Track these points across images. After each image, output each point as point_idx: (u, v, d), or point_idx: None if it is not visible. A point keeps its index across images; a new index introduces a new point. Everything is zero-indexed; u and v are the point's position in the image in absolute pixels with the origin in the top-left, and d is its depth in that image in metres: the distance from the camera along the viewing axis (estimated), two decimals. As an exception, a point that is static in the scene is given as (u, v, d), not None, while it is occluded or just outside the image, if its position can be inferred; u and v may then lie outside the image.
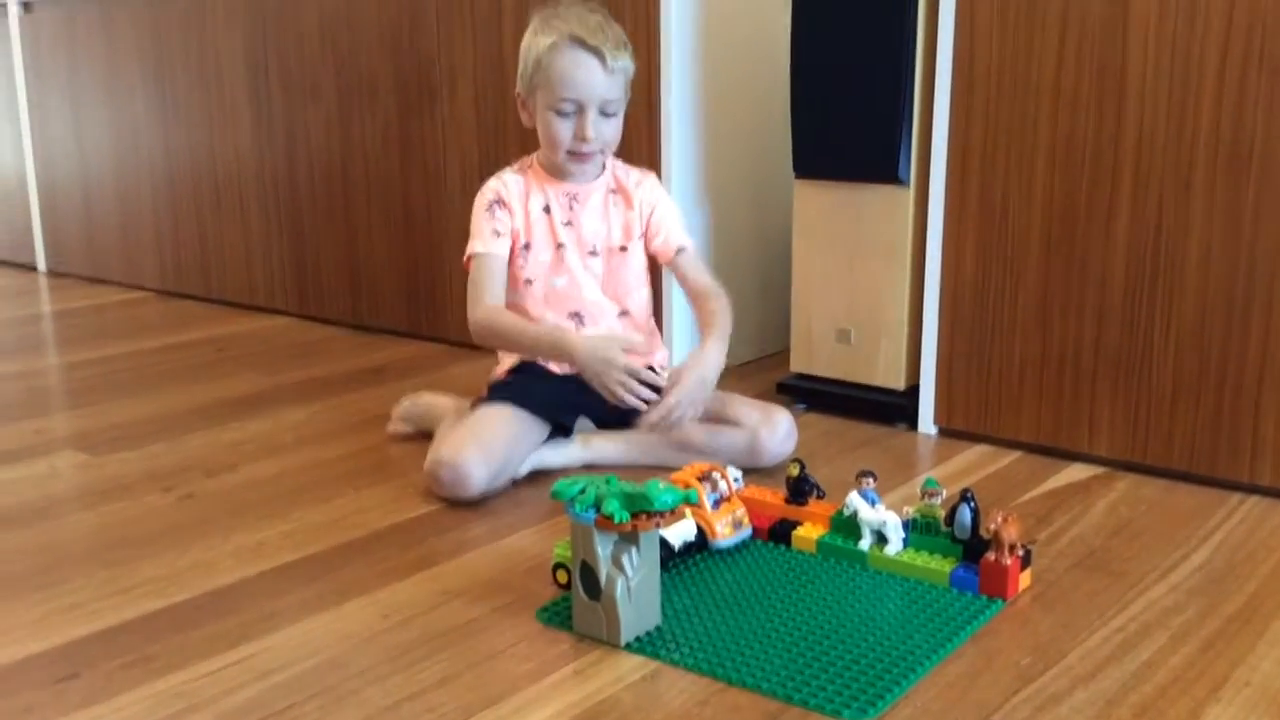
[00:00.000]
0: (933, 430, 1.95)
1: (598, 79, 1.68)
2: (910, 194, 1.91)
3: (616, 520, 1.19)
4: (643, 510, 1.20)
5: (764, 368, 2.34)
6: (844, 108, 1.94)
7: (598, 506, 1.21)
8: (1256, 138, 1.58)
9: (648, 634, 1.24)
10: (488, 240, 1.77)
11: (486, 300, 1.75)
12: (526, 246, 1.79)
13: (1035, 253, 1.79)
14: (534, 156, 1.84)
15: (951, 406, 1.92)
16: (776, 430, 1.75)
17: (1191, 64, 1.61)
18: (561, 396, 1.77)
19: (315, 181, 2.86)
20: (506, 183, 1.80)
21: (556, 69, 1.68)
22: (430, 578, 1.41)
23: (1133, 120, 1.67)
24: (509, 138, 2.43)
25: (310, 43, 2.77)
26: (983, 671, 1.16)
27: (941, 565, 1.36)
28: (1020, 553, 1.33)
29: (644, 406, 1.66)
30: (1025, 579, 1.35)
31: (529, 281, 1.80)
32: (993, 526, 1.31)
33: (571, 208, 1.80)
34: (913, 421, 1.96)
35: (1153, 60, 1.64)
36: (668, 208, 1.85)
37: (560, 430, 1.77)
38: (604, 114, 1.72)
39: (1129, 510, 1.59)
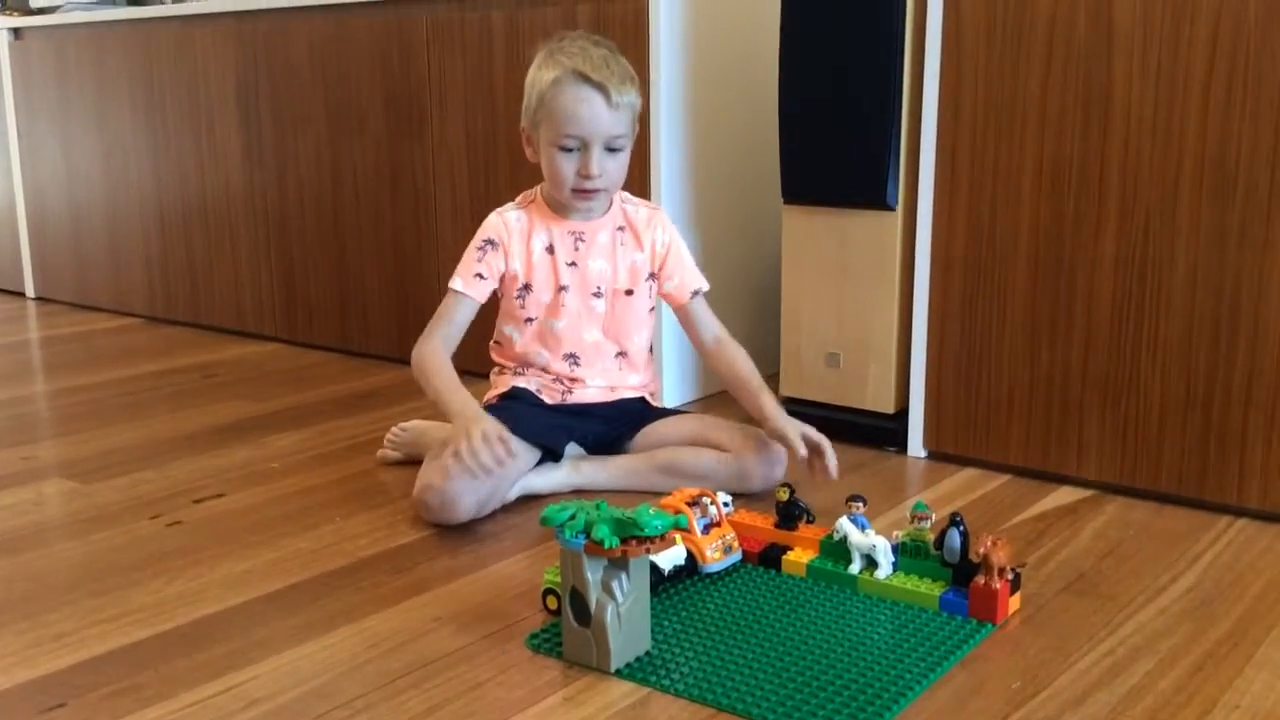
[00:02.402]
0: (922, 454, 1.95)
1: (602, 115, 1.65)
2: (898, 218, 1.92)
3: (606, 546, 1.19)
4: (633, 536, 1.20)
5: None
6: (832, 133, 1.95)
7: (587, 532, 1.21)
8: (1241, 159, 1.59)
9: (638, 660, 1.24)
10: (469, 280, 1.75)
11: (435, 339, 1.74)
12: (527, 287, 1.77)
13: (1022, 276, 1.80)
14: (538, 190, 1.81)
15: (941, 430, 1.92)
16: (765, 455, 1.74)
17: (1176, 86, 1.62)
18: (551, 422, 1.77)
19: (305, 207, 2.86)
20: (507, 221, 1.77)
21: (560, 105, 1.65)
22: (419, 605, 1.40)
23: (1118, 142, 1.68)
24: (499, 165, 2.44)
25: (300, 70, 2.78)
26: (972, 696, 1.16)
27: (931, 589, 1.36)
28: (1010, 576, 1.33)
29: (477, 472, 1.57)
30: (1015, 602, 1.35)
31: (529, 320, 1.79)
32: (982, 550, 1.31)
33: (577, 247, 1.77)
34: (902, 445, 1.97)
35: (1138, 83, 1.65)
36: (681, 248, 1.82)
37: (549, 455, 1.76)
38: (609, 150, 1.69)
39: (1118, 533, 1.59)
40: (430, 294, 2.62)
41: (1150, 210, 1.67)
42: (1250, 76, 1.57)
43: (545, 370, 1.82)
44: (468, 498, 1.60)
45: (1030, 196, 1.77)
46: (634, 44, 2.18)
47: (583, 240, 1.77)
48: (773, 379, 2.15)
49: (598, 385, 1.82)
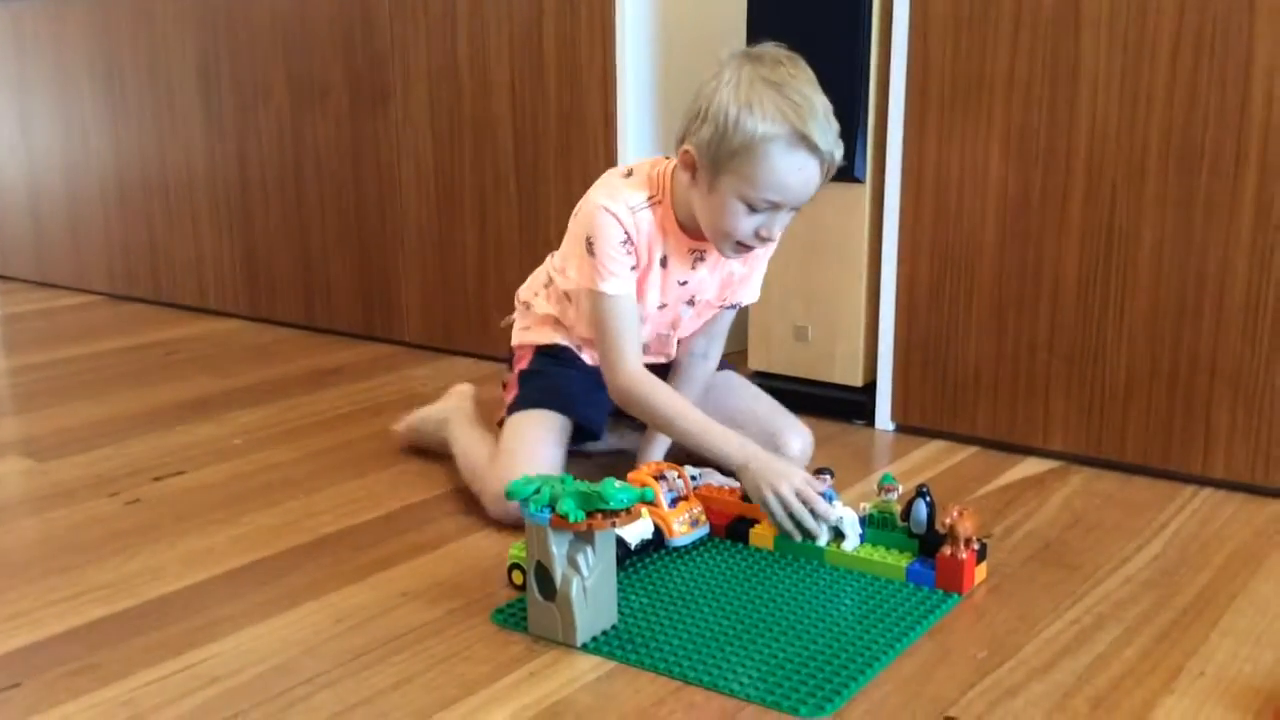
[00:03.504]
0: (890, 426, 1.95)
1: (813, 185, 1.41)
2: (866, 191, 1.92)
3: (572, 520, 1.17)
4: (598, 509, 1.19)
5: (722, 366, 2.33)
6: (799, 105, 1.93)
7: (553, 506, 1.19)
8: (1208, 131, 1.59)
9: (604, 634, 1.23)
10: (625, 279, 1.50)
11: (633, 357, 1.51)
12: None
13: (990, 248, 1.79)
14: (668, 189, 1.53)
15: (908, 403, 1.92)
16: (786, 452, 1.61)
17: (1144, 57, 1.62)
18: (590, 394, 1.63)
19: (267, 183, 2.82)
20: (640, 225, 1.51)
21: (771, 167, 1.37)
22: (384, 581, 1.39)
23: (1085, 113, 1.68)
24: (464, 140, 2.41)
25: (261, 43, 2.73)
26: (939, 665, 1.16)
27: (898, 560, 1.36)
28: (976, 547, 1.33)
29: (794, 534, 1.41)
30: (981, 573, 1.35)
31: None
32: (948, 521, 1.31)
33: (694, 266, 1.57)
34: (870, 418, 1.97)
35: (1105, 54, 1.65)
36: (767, 259, 1.66)
37: (588, 435, 1.65)
38: (793, 209, 1.45)
39: (1083, 504, 1.60)
40: (395, 269, 2.60)
41: (1117, 181, 1.67)
42: (1217, 46, 1.56)
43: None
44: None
45: (998, 168, 1.77)
46: (600, 18, 2.16)
47: (701, 260, 1.57)
48: (741, 354, 2.15)
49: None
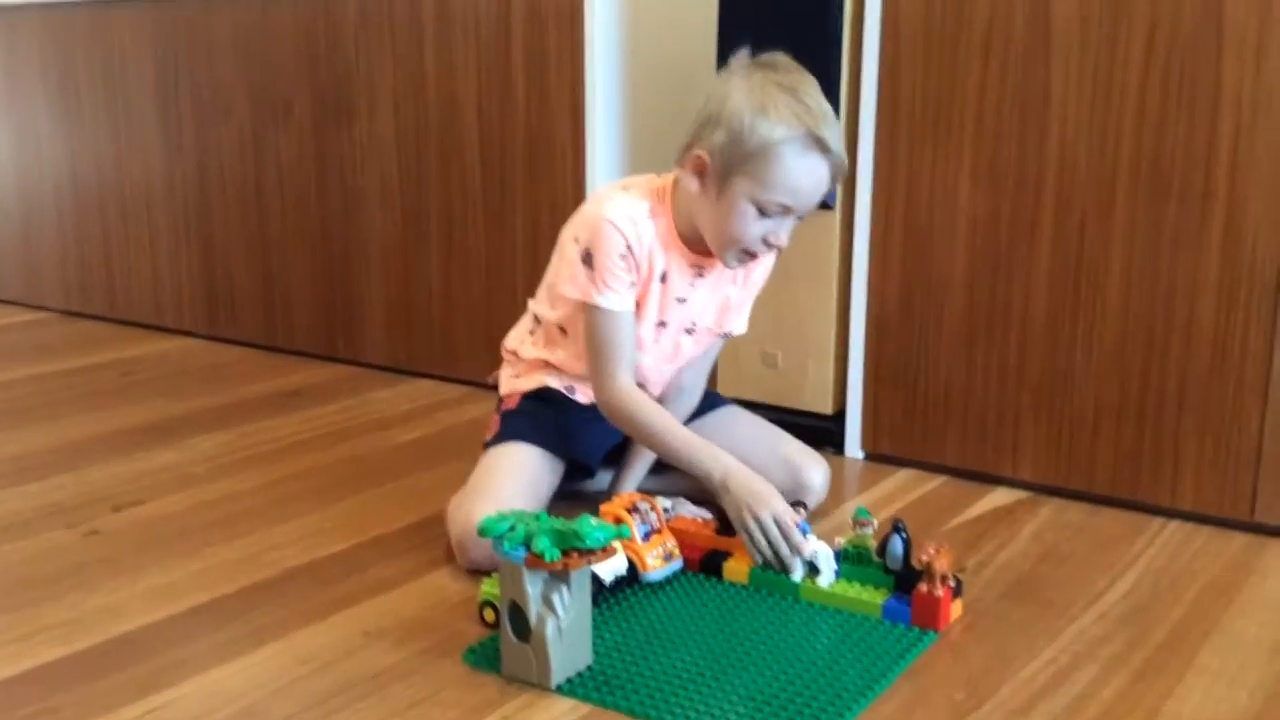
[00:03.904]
0: (859, 454, 1.95)
1: (823, 188, 1.43)
2: (836, 218, 1.91)
3: (548, 559, 1.15)
4: (574, 548, 1.17)
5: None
6: (769, 131, 1.93)
7: (527, 544, 1.17)
8: (1176, 160, 1.60)
9: (579, 675, 1.21)
10: (624, 295, 1.48)
11: (624, 374, 1.49)
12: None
13: (960, 277, 1.80)
14: (669, 198, 1.52)
15: (878, 431, 1.92)
16: (806, 497, 1.59)
17: (1113, 88, 1.63)
18: (582, 429, 1.61)
19: (228, 199, 2.77)
20: (641, 236, 1.48)
21: (785, 169, 1.38)
22: (350, 618, 1.36)
23: (1055, 144, 1.69)
24: (430, 157, 2.39)
25: (222, 57, 2.69)
26: (916, 707, 1.15)
27: (874, 596, 1.35)
28: (951, 583, 1.32)
29: (771, 562, 1.41)
30: (956, 609, 1.34)
31: None
32: (925, 558, 1.30)
33: (694, 284, 1.55)
34: (840, 446, 1.96)
35: (1074, 85, 1.66)
36: (761, 284, 1.65)
37: (580, 470, 1.64)
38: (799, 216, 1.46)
39: (1054, 536, 1.60)
40: (358, 288, 2.56)
41: (1086, 212, 1.68)
42: (1185, 78, 1.58)
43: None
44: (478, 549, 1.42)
45: (968, 197, 1.77)
46: (568, 34, 2.15)
47: (701, 276, 1.55)
48: (709, 377, 2.13)
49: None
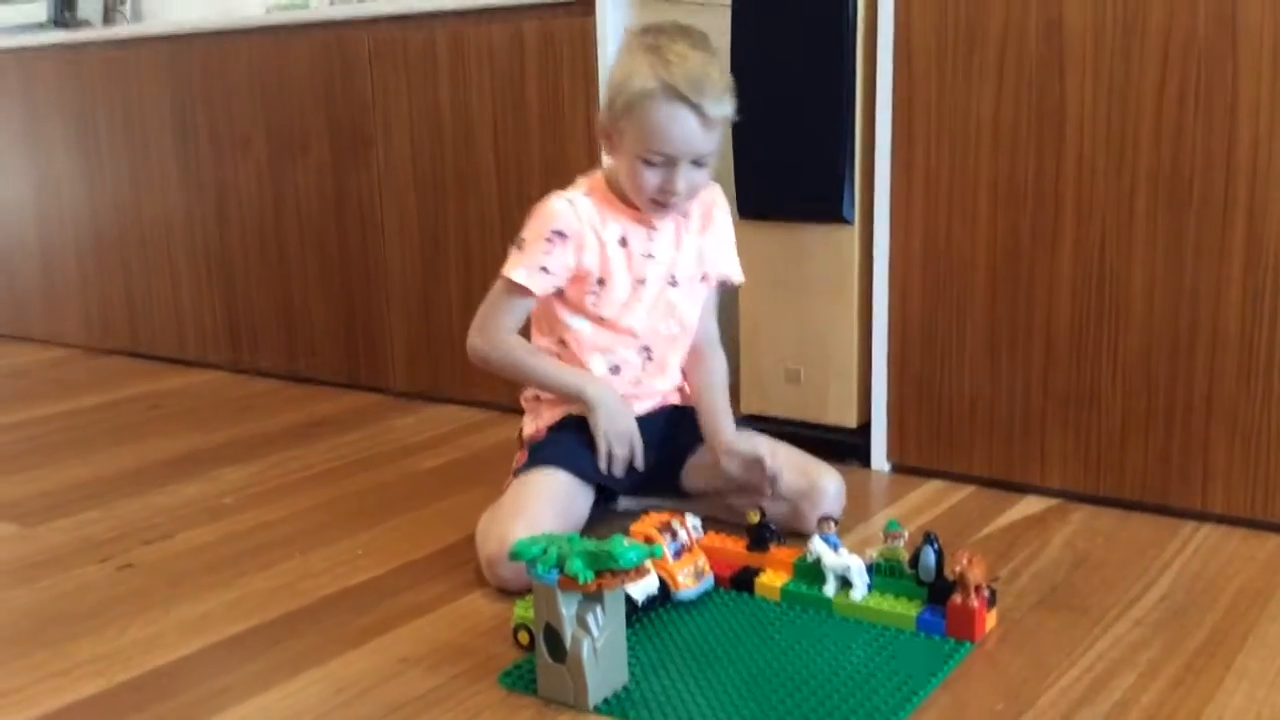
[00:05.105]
0: (886, 467, 1.94)
1: (694, 135, 1.51)
2: (855, 232, 1.92)
3: (581, 581, 1.16)
4: (607, 569, 1.17)
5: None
6: (786, 148, 1.94)
7: (560, 566, 1.17)
8: (1195, 171, 1.60)
9: (615, 695, 1.21)
10: (533, 274, 1.59)
11: (502, 334, 1.64)
12: (601, 282, 1.63)
13: (981, 288, 1.80)
14: (601, 175, 1.66)
15: (904, 443, 1.92)
16: (820, 503, 1.60)
17: (1129, 99, 1.63)
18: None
19: (247, 233, 2.80)
20: (581, 212, 1.60)
21: (650, 120, 1.50)
22: (385, 645, 1.36)
23: (1072, 156, 1.69)
24: (447, 188, 2.40)
25: (239, 93, 2.72)
26: (957, 719, 1.15)
27: (908, 609, 1.35)
28: (986, 593, 1.32)
29: (615, 471, 1.62)
30: (991, 619, 1.34)
31: (601, 318, 1.64)
32: (958, 568, 1.30)
33: (650, 238, 1.65)
34: (865, 459, 1.96)
35: (1090, 97, 1.66)
36: (725, 228, 1.72)
37: (605, 494, 1.68)
38: (696, 163, 1.55)
39: (1086, 543, 1.59)
40: (379, 317, 2.58)
41: (1106, 222, 1.68)
42: (1201, 86, 1.58)
43: (615, 370, 1.67)
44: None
45: (987, 211, 1.77)
46: (581, 61, 2.16)
47: (653, 229, 1.65)
48: (733, 394, 2.13)
49: (657, 388, 1.72)
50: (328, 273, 2.66)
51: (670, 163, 1.53)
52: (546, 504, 1.54)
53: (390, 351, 2.58)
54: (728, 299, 2.30)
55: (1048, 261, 1.73)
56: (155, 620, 1.45)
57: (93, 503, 1.92)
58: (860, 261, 1.93)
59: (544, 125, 2.24)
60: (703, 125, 1.51)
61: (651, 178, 1.55)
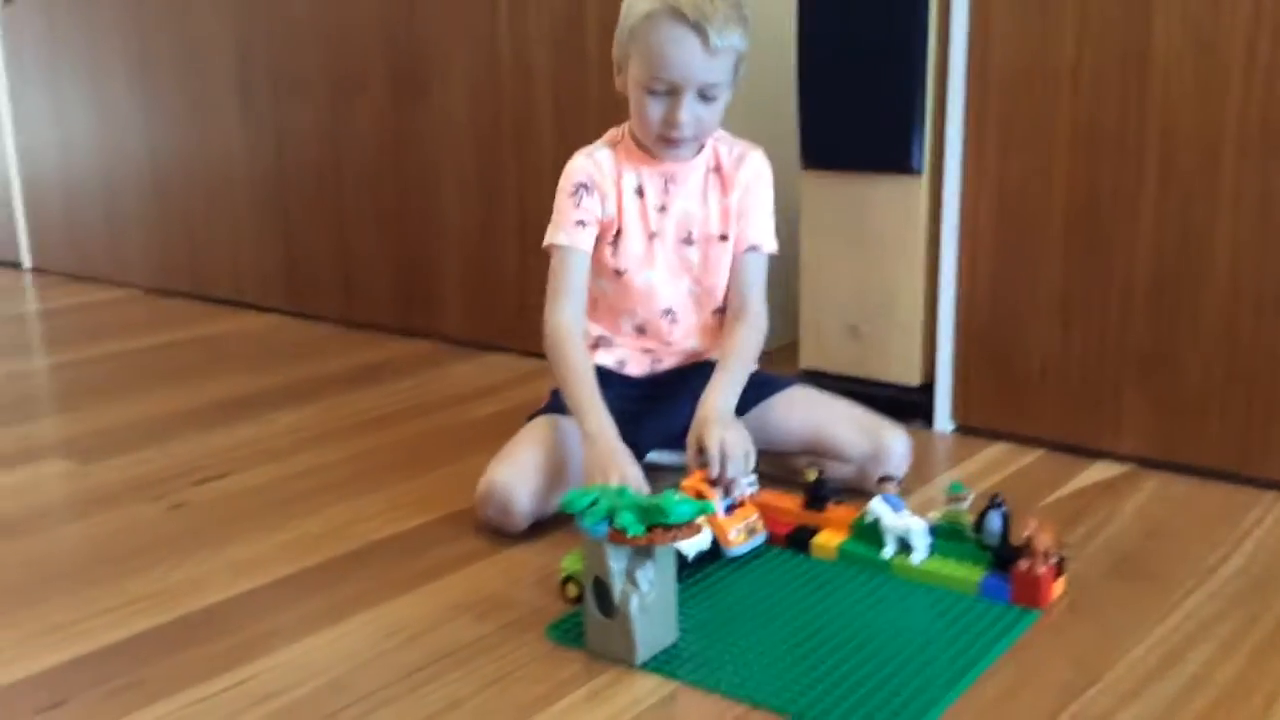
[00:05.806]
0: (949, 427, 1.89)
1: (697, 60, 1.46)
2: (924, 183, 1.85)
3: (630, 534, 1.13)
4: (658, 523, 1.14)
5: (771, 362, 2.27)
6: (854, 95, 1.87)
7: (610, 519, 1.14)
8: (1289, 122, 1.51)
9: (664, 652, 1.18)
10: (571, 230, 1.57)
11: (566, 309, 1.56)
12: (619, 234, 1.60)
13: (1056, 244, 1.73)
14: (625, 129, 1.62)
15: (969, 403, 1.86)
16: (887, 464, 1.55)
17: (1219, 43, 1.55)
18: (630, 409, 1.59)
19: (304, 176, 2.78)
20: (599, 162, 1.58)
21: (651, 43, 1.46)
22: (434, 591, 1.34)
23: (1157, 106, 1.61)
24: (504, 133, 2.36)
25: (299, 34, 2.69)
26: (1022, 689, 1.10)
27: (970, 574, 1.30)
28: (1054, 560, 1.27)
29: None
30: (1059, 587, 1.29)
31: (619, 273, 1.61)
32: (1026, 534, 1.25)
33: (667, 189, 1.60)
34: (928, 419, 1.90)
35: (1177, 41, 1.58)
36: (760, 193, 1.63)
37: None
38: (703, 97, 1.50)
39: (1160, 511, 1.53)
40: (435, 264, 2.56)
41: (1191, 176, 1.60)
42: (1301, 32, 1.49)
43: (641, 331, 1.65)
44: (524, 504, 1.47)
45: (1064, 161, 1.70)
46: (646, 3, 2.10)
47: (673, 182, 1.60)
48: (792, 348, 2.09)
49: (687, 348, 1.67)
50: (384, 218, 2.64)
51: (674, 91, 1.48)
52: (532, 447, 1.53)
53: (446, 298, 2.56)
54: (786, 249, 2.25)
55: (1128, 215, 1.66)
56: (206, 560, 1.44)
57: (147, 442, 1.92)
58: (928, 214, 1.86)
59: (604, 69, 2.19)
60: (705, 50, 1.45)
61: (655, 108, 1.50)
